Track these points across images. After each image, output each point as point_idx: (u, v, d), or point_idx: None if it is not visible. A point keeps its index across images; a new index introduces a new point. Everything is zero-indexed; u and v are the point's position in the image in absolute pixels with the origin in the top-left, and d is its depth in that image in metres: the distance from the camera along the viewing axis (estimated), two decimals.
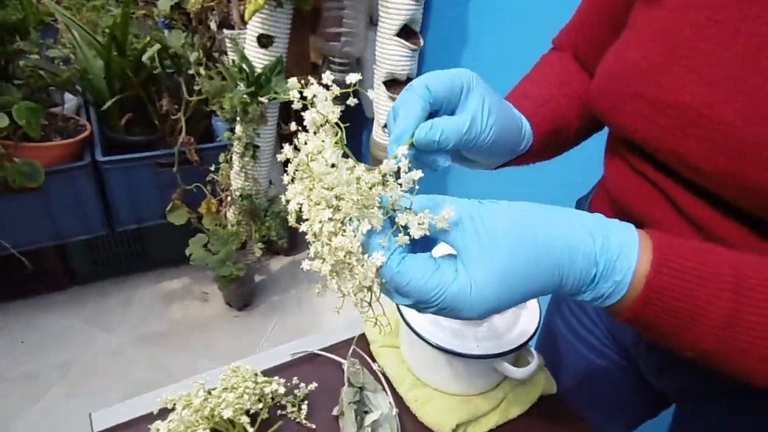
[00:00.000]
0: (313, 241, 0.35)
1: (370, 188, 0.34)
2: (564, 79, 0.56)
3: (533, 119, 0.50)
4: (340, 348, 0.70)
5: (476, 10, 1.30)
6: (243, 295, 1.81)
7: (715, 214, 0.41)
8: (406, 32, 1.41)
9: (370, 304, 0.36)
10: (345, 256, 0.33)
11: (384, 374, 0.66)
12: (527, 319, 0.61)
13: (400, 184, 0.34)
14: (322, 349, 0.69)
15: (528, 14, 1.14)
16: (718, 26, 0.39)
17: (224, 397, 0.51)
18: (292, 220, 0.37)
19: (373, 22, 1.47)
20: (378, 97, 1.50)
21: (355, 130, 2.03)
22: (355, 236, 0.33)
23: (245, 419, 0.53)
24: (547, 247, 0.33)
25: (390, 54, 1.42)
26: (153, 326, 1.73)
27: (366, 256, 0.34)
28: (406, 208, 0.34)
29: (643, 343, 0.56)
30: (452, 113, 0.42)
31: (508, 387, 0.64)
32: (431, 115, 0.41)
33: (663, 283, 0.33)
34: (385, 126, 1.55)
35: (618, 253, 0.34)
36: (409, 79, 1.47)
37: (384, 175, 0.34)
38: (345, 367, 0.65)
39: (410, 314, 0.60)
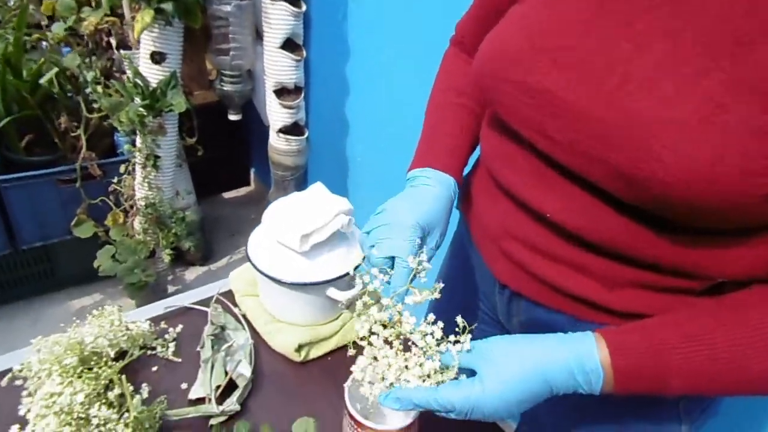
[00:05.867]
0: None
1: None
2: (464, 90, 0.65)
3: (455, 173, 0.61)
4: (209, 302, 0.81)
5: (353, 21, 1.47)
6: None
7: (563, 182, 0.50)
8: (290, 45, 1.56)
9: None
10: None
11: (245, 317, 0.78)
12: (353, 256, 0.75)
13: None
14: (193, 303, 0.80)
15: (398, 23, 1.32)
16: (577, 25, 0.46)
17: (88, 330, 0.62)
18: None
19: (260, 36, 1.61)
20: (270, 104, 1.63)
21: (260, 136, 2.16)
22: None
23: (108, 349, 0.63)
24: (544, 375, 0.45)
25: (277, 65, 1.56)
26: None
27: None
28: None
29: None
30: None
31: (348, 316, 0.78)
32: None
33: (625, 379, 0.44)
34: (281, 130, 1.68)
35: (588, 370, 0.45)
36: (296, 87, 1.62)
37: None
38: (209, 311, 0.76)
39: (261, 261, 0.72)
